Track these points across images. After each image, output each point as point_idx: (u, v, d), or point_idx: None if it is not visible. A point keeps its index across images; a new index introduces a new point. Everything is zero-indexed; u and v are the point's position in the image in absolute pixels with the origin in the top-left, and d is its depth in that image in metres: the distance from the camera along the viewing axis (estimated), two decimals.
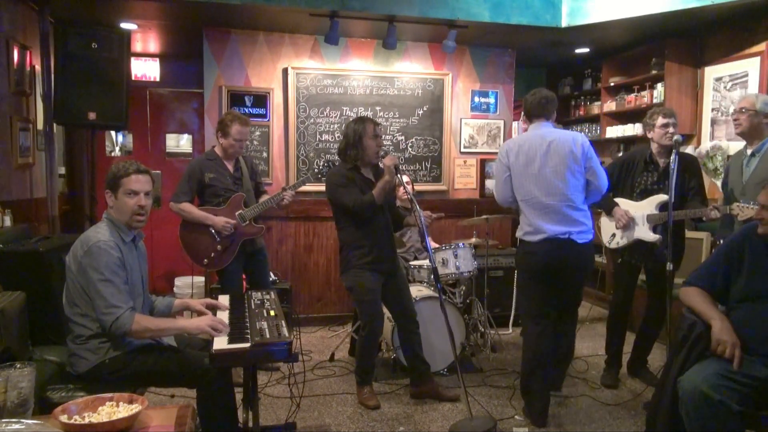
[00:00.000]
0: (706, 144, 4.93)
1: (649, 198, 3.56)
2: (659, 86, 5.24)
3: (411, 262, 4.31)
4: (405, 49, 5.32)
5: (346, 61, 5.22)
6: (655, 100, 5.27)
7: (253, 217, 3.82)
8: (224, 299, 2.87)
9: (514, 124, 6.95)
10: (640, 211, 3.56)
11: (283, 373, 3.84)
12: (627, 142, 5.92)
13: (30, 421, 1.62)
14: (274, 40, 5.07)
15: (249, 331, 2.32)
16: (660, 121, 3.51)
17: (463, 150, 5.56)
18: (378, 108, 5.27)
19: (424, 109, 5.38)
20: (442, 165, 5.47)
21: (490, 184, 5.63)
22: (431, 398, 3.55)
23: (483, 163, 5.62)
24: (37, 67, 4.44)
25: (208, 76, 4.98)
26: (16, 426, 1.57)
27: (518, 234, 3.29)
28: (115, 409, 1.74)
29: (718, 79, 4.89)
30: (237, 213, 3.76)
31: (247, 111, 4.99)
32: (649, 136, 3.61)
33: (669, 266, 3.09)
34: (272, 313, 2.50)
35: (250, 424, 2.56)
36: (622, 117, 5.85)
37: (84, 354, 2.39)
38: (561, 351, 3.35)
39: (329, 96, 5.17)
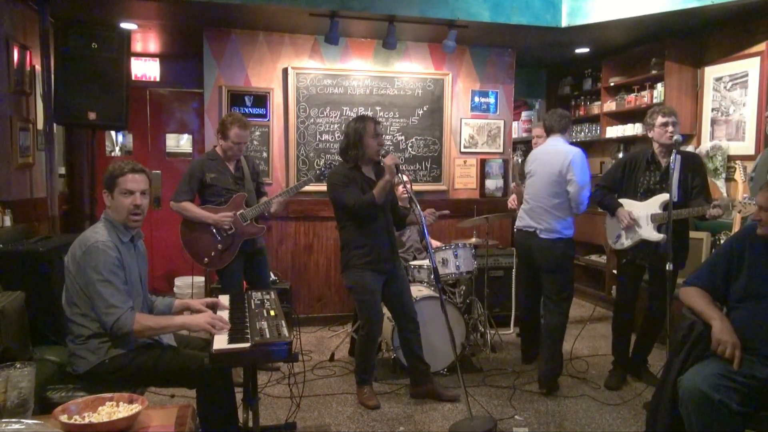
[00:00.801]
0: (706, 144, 4.93)
1: (652, 197, 3.56)
2: (659, 86, 5.24)
3: (411, 262, 4.31)
4: (405, 49, 5.32)
5: (346, 61, 5.22)
6: (655, 100, 5.27)
7: (254, 216, 3.82)
8: (224, 299, 2.87)
9: (514, 124, 6.96)
10: (644, 211, 3.55)
11: (283, 373, 3.84)
12: (627, 142, 5.92)
13: (30, 421, 1.62)
14: (274, 40, 5.07)
15: (249, 331, 2.32)
16: (659, 120, 3.50)
17: (463, 150, 5.56)
18: (378, 108, 5.27)
19: (424, 109, 5.38)
20: (442, 165, 5.48)
21: (490, 184, 5.64)
22: (431, 398, 3.55)
23: (483, 163, 5.62)
24: (37, 67, 4.44)
25: (208, 76, 4.98)
26: (16, 426, 1.57)
27: None
28: (115, 409, 1.74)
29: (718, 79, 4.89)
30: (238, 213, 3.76)
31: (247, 111, 4.99)
32: (650, 135, 3.61)
33: (669, 266, 3.09)
34: (272, 313, 2.49)
35: (250, 424, 2.56)
36: (622, 117, 5.85)
37: (84, 354, 2.40)
38: (544, 332, 3.82)
39: (329, 96, 5.17)
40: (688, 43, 5.10)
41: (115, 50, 4.20)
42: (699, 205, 3.36)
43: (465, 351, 4.15)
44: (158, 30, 5.14)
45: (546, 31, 4.87)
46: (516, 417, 3.33)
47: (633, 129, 5.58)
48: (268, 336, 2.20)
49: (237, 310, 2.65)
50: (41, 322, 2.89)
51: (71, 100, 4.10)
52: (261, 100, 5.07)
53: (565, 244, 3.69)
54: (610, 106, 5.89)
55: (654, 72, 5.29)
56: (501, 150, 5.67)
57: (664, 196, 3.47)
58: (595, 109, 6.24)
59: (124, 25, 4.73)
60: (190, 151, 6.41)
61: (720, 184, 4.77)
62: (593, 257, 5.92)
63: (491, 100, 5.62)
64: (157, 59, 6.05)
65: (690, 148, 5.01)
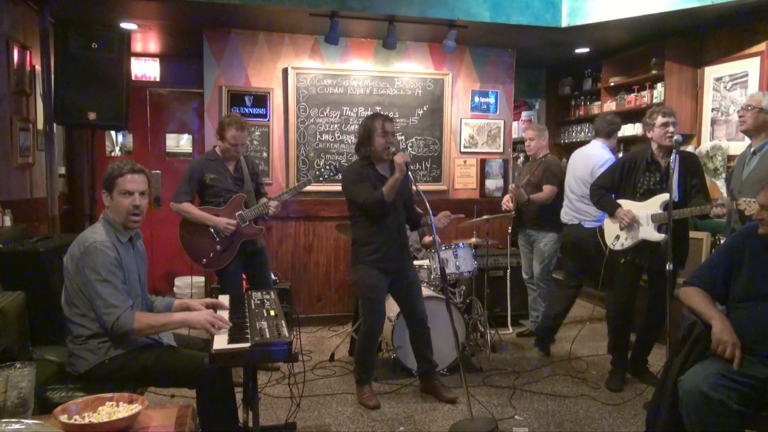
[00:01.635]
0: (706, 144, 4.93)
1: (652, 198, 3.55)
2: (659, 86, 5.24)
3: None
4: (405, 49, 5.32)
5: (346, 61, 5.22)
6: (655, 100, 5.27)
7: (253, 218, 3.82)
8: (224, 299, 2.87)
9: (514, 124, 6.96)
10: (644, 211, 3.54)
11: (283, 373, 3.84)
12: (627, 142, 5.92)
13: (30, 421, 1.62)
14: (274, 40, 5.07)
15: (249, 331, 2.31)
16: (659, 120, 3.49)
17: (463, 150, 5.56)
18: (378, 108, 5.27)
19: (424, 109, 5.38)
20: (442, 165, 5.48)
21: (490, 184, 5.64)
22: (433, 395, 3.57)
23: (483, 163, 5.62)
24: (37, 67, 4.44)
25: (208, 76, 4.98)
26: (16, 426, 1.57)
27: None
28: (115, 409, 1.74)
29: (718, 79, 4.89)
30: (237, 213, 3.76)
31: (247, 111, 4.99)
32: (649, 135, 3.59)
33: (669, 266, 3.08)
34: (272, 313, 2.49)
35: (250, 424, 2.55)
36: (622, 117, 5.79)
37: (83, 354, 2.40)
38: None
39: (329, 96, 5.17)
40: (688, 43, 5.10)
41: (115, 50, 4.19)
42: (699, 204, 3.35)
43: (465, 351, 4.15)
44: (158, 30, 5.14)
45: (546, 31, 4.87)
46: (516, 417, 3.33)
47: (633, 129, 5.58)
48: (268, 336, 2.20)
49: (237, 310, 2.65)
50: (41, 322, 2.89)
51: (71, 100, 4.10)
52: (261, 100, 5.07)
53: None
54: (610, 106, 5.89)
55: (654, 72, 5.29)
56: (501, 150, 5.67)
57: (664, 196, 3.45)
58: (595, 109, 6.24)
59: (124, 25, 4.73)
60: (190, 151, 6.41)
61: (720, 184, 4.77)
62: None
63: (491, 100, 5.62)
64: (157, 59, 6.05)
65: (690, 148, 5.01)
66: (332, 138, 5.20)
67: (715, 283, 2.48)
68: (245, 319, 2.49)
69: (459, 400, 3.50)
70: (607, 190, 3.74)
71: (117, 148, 6.45)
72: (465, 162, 5.59)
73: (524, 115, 7.63)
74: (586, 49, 5.81)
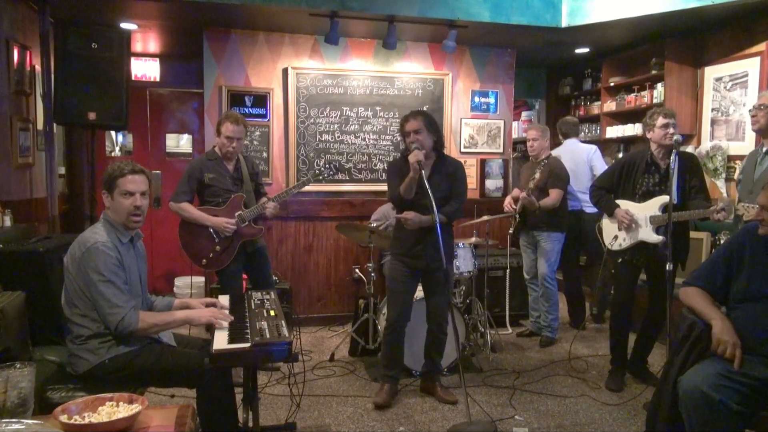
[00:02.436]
0: (706, 144, 4.93)
1: (651, 199, 3.54)
2: (659, 86, 5.24)
3: None
4: (405, 49, 5.32)
5: (346, 61, 5.22)
6: (655, 100, 5.27)
7: (253, 218, 3.82)
8: (224, 299, 2.87)
9: (514, 124, 6.95)
10: (643, 213, 3.54)
11: (283, 373, 3.84)
12: (627, 142, 5.92)
13: (30, 421, 1.62)
14: (274, 40, 5.07)
15: (249, 331, 2.32)
16: (660, 121, 3.48)
17: (463, 150, 5.56)
18: (378, 108, 5.27)
19: (425, 109, 5.37)
20: None
21: (490, 184, 5.64)
22: (432, 396, 3.58)
23: (483, 163, 5.62)
24: (37, 67, 4.44)
25: (208, 76, 4.98)
26: (16, 426, 1.57)
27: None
28: (115, 409, 1.74)
29: (718, 79, 4.89)
30: (236, 214, 3.76)
31: (247, 111, 4.99)
32: (649, 136, 3.59)
33: (669, 266, 3.08)
34: (272, 313, 2.50)
35: (250, 424, 2.56)
36: (622, 117, 5.85)
37: (83, 354, 2.40)
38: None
39: (329, 96, 5.17)
40: (688, 43, 5.10)
41: (115, 50, 4.19)
42: (699, 206, 3.34)
43: (465, 351, 4.15)
44: (158, 30, 5.14)
45: (546, 31, 4.87)
46: (516, 417, 3.33)
47: (633, 129, 5.58)
48: (268, 336, 2.20)
49: (237, 310, 2.65)
50: (41, 322, 2.88)
51: (71, 100, 4.09)
52: (261, 100, 5.07)
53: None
54: (610, 106, 5.89)
55: (654, 72, 5.29)
56: (501, 150, 5.67)
57: (664, 198, 3.45)
58: (595, 109, 6.24)
59: (124, 25, 4.73)
60: (190, 151, 6.41)
61: (720, 184, 4.77)
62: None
63: (491, 100, 5.62)
64: (157, 59, 6.05)
65: (690, 148, 5.01)
66: (332, 138, 5.20)
67: (715, 284, 2.48)
68: (245, 319, 2.49)
69: (459, 401, 3.50)
70: (607, 191, 3.74)
71: (117, 148, 6.45)
72: (465, 162, 5.48)
73: (524, 115, 7.63)
74: (586, 49, 5.81)
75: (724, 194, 4.71)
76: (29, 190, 4.30)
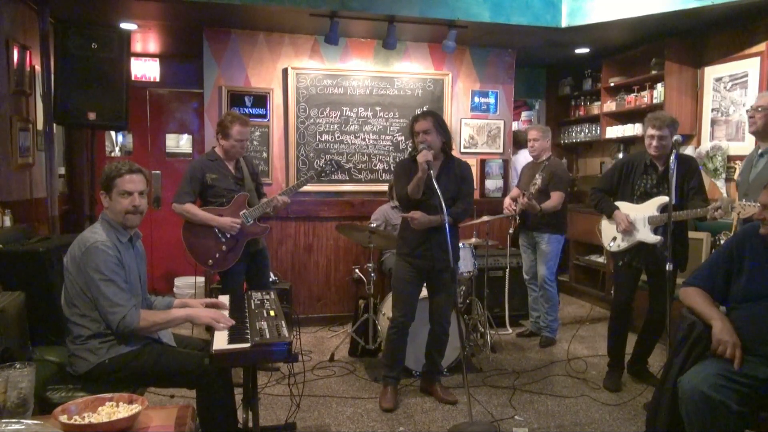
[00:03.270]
0: (706, 144, 4.94)
1: (650, 200, 3.55)
2: (659, 86, 5.24)
3: None
4: (405, 49, 5.32)
5: (346, 61, 5.22)
6: (655, 101, 5.27)
7: (258, 216, 3.82)
8: (224, 299, 2.87)
9: (514, 124, 6.96)
10: (642, 213, 3.55)
11: (283, 373, 3.84)
12: (627, 142, 5.93)
13: (30, 421, 1.62)
14: (274, 40, 5.07)
15: (249, 331, 2.32)
16: (648, 131, 3.47)
17: (463, 150, 5.56)
18: (378, 108, 5.27)
19: (424, 109, 5.37)
20: None
21: (490, 184, 5.64)
22: (432, 396, 3.58)
23: (483, 164, 5.62)
24: (37, 67, 4.44)
25: (208, 76, 4.98)
26: (16, 426, 1.57)
27: None
28: (115, 409, 1.74)
29: (718, 80, 4.89)
30: (241, 213, 3.76)
31: (247, 111, 4.99)
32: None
33: (669, 267, 3.08)
34: (272, 313, 2.49)
35: (250, 424, 2.56)
36: (622, 117, 5.85)
37: (83, 354, 2.40)
38: None
39: (329, 96, 5.17)
40: (688, 43, 5.10)
41: (115, 50, 4.19)
42: (697, 206, 3.35)
43: (465, 351, 4.15)
44: (158, 30, 5.14)
45: (546, 31, 4.87)
46: (516, 417, 3.33)
47: (633, 129, 5.58)
48: (268, 336, 2.20)
49: (237, 311, 2.65)
50: (41, 322, 2.88)
51: (71, 100, 4.10)
52: (261, 100, 5.07)
53: None
54: (610, 106, 5.89)
55: (654, 72, 5.29)
56: (501, 150, 5.67)
57: (662, 199, 3.46)
58: (595, 109, 6.24)
59: (124, 25, 4.73)
60: (190, 151, 6.41)
61: (720, 184, 4.77)
62: (593, 257, 5.92)
63: (491, 100, 5.62)
64: (157, 59, 6.05)
65: (690, 148, 5.02)
66: (332, 138, 5.20)
67: (715, 284, 2.48)
68: (245, 319, 2.49)
69: (459, 401, 3.50)
70: (606, 193, 3.75)
71: (117, 148, 6.44)
72: (466, 162, 5.57)
73: (524, 115, 7.64)
74: (586, 49, 5.81)
75: (724, 194, 4.70)
76: (29, 191, 4.30)
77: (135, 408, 1.74)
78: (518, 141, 6.03)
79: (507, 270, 5.00)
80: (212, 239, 3.72)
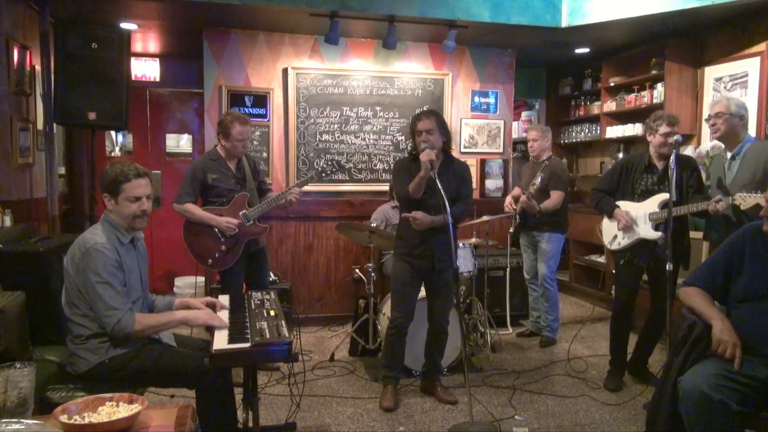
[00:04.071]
0: (706, 144, 4.93)
1: (651, 197, 3.56)
2: (659, 86, 5.24)
3: None
4: (405, 49, 5.32)
5: (346, 61, 5.22)
6: (655, 101, 5.27)
7: (258, 216, 3.82)
8: (224, 299, 2.87)
9: (514, 124, 6.96)
10: (642, 211, 3.56)
11: (283, 373, 3.84)
12: (627, 142, 5.93)
13: (30, 421, 1.62)
14: (274, 40, 5.07)
15: (249, 331, 2.31)
16: (663, 129, 3.49)
17: (463, 150, 5.56)
18: (378, 108, 5.27)
19: (424, 109, 5.37)
20: None
21: (490, 184, 5.64)
22: (432, 396, 3.58)
23: (483, 164, 5.62)
24: (37, 67, 4.44)
25: (208, 76, 4.98)
26: (16, 426, 1.57)
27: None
28: (115, 409, 1.74)
29: (718, 79, 4.89)
30: (241, 213, 3.76)
31: (247, 111, 4.99)
32: (650, 139, 3.60)
33: (669, 266, 3.08)
34: (272, 313, 2.49)
35: (250, 424, 2.55)
36: (622, 117, 5.85)
37: (83, 354, 2.40)
38: None
39: (329, 96, 5.17)
40: (688, 43, 5.10)
41: (115, 50, 4.19)
42: (697, 201, 3.36)
43: (465, 351, 4.14)
44: (158, 30, 5.14)
45: (546, 31, 4.87)
46: (516, 417, 3.33)
47: (633, 129, 5.58)
48: (268, 336, 2.20)
49: (237, 310, 2.65)
50: (41, 322, 2.88)
51: (71, 100, 4.09)
52: (261, 100, 5.07)
53: None
54: (610, 106, 5.90)
55: (654, 72, 5.29)
56: (501, 150, 5.67)
57: (663, 196, 3.47)
58: (595, 109, 6.24)
59: (124, 25, 4.73)
60: (190, 151, 6.41)
61: None
62: (593, 257, 5.92)
63: (491, 100, 5.62)
64: (157, 59, 6.05)
65: (690, 148, 5.02)
66: (332, 138, 5.20)
67: (716, 283, 2.48)
68: (245, 319, 2.49)
69: (459, 401, 3.50)
70: (607, 193, 3.75)
71: (117, 148, 6.45)
72: (465, 162, 5.57)
73: (524, 115, 7.64)
74: (586, 49, 5.81)
75: None
76: (29, 190, 4.30)
77: (135, 408, 1.74)
78: None
79: (507, 270, 5.00)
80: (212, 239, 3.72)
